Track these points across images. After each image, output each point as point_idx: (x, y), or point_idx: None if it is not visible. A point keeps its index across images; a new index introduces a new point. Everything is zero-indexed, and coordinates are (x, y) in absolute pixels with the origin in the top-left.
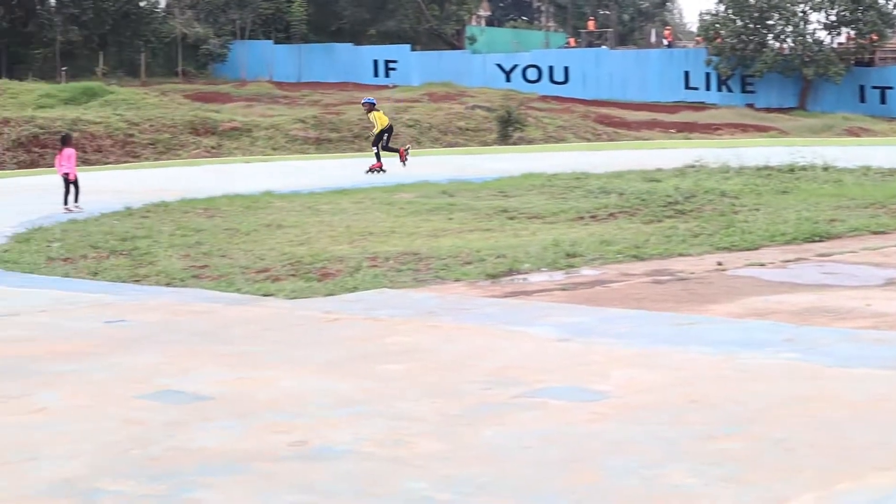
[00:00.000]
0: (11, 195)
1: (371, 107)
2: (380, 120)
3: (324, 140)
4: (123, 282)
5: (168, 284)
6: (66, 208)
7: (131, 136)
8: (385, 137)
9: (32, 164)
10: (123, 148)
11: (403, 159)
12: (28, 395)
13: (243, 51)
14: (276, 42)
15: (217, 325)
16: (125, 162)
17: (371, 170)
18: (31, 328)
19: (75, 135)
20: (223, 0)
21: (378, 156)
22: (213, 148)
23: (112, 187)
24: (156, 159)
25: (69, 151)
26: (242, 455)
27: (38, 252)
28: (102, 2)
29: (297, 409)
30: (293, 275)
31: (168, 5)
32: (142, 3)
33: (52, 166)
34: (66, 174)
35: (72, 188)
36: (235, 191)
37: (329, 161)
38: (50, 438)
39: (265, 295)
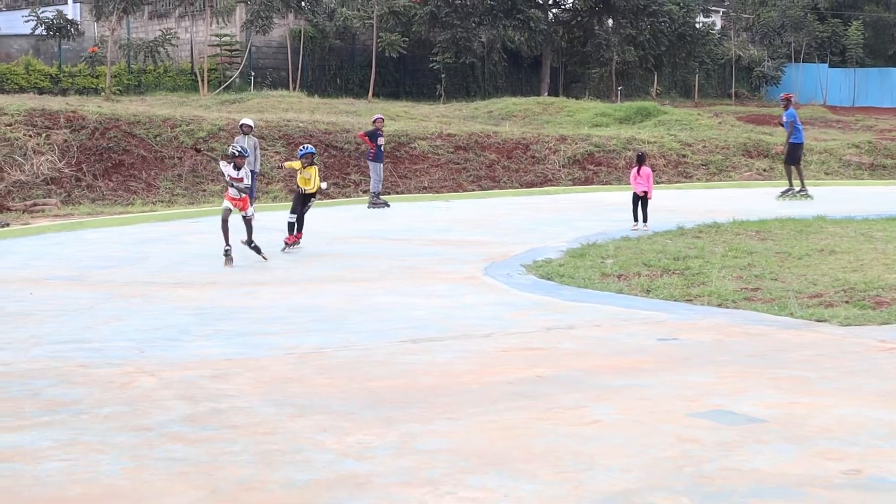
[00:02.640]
0: (566, 212)
1: None
2: None
3: (878, 166)
4: (675, 300)
5: (720, 305)
6: (635, 226)
7: (684, 156)
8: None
9: (587, 181)
10: (676, 168)
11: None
12: (583, 407)
13: (797, 73)
14: (831, 65)
15: (769, 348)
16: (678, 182)
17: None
18: (586, 341)
19: (629, 153)
20: (779, 23)
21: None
22: (764, 171)
23: (665, 206)
24: (707, 180)
25: (646, 170)
26: (795, 480)
27: (593, 268)
28: (659, 23)
29: (852, 437)
30: (846, 301)
31: (723, 27)
32: (698, 25)
33: (606, 183)
34: (644, 192)
35: (646, 206)
36: (787, 214)
37: (884, 188)
38: (604, 451)
39: (818, 320)
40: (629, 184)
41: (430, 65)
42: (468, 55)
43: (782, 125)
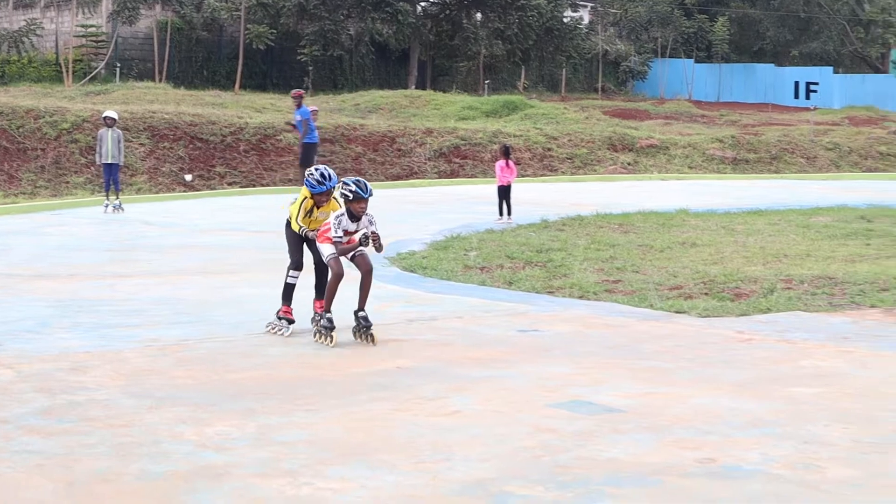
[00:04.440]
0: (431, 204)
1: None
2: None
3: (741, 160)
4: (537, 292)
5: (581, 297)
6: (500, 219)
7: (550, 150)
8: None
9: (452, 174)
10: (542, 161)
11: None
12: (443, 398)
13: (663, 68)
14: (697, 61)
15: (629, 340)
16: (543, 175)
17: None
18: (447, 333)
19: (494, 147)
20: (646, 18)
21: None
22: (629, 164)
23: (530, 199)
24: (572, 173)
25: (512, 163)
26: (651, 468)
27: (456, 260)
28: (527, 17)
29: (707, 427)
30: (706, 293)
31: (591, 22)
32: (565, 20)
33: (472, 177)
34: (510, 183)
35: (510, 199)
36: (650, 207)
37: (746, 181)
38: (463, 441)
39: (678, 312)
40: (495, 177)
41: (298, 57)
42: (336, 48)
43: (294, 126)
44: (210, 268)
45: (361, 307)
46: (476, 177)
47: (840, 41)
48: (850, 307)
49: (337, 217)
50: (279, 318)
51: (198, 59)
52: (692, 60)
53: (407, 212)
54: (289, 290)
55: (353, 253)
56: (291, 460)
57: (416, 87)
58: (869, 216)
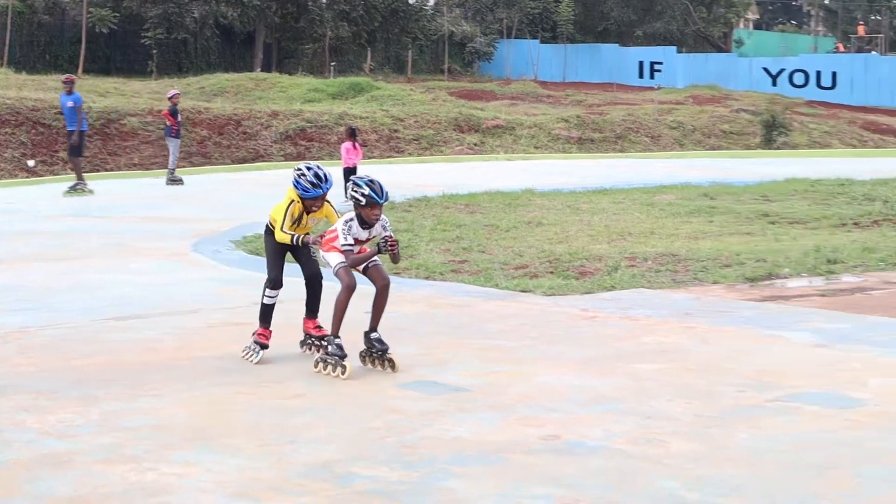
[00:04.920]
0: (277, 187)
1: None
2: None
3: (586, 140)
4: None
5: (427, 278)
6: (347, 201)
7: (396, 131)
8: None
9: (299, 157)
10: (388, 143)
11: None
12: (289, 381)
13: (509, 49)
14: (542, 41)
15: (475, 319)
16: (389, 157)
17: None
18: (293, 316)
19: (341, 129)
20: None
21: None
22: (475, 145)
23: None
24: (419, 154)
25: (357, 145)
26: (495, 446)
27: None
28: None
29: (552, 404)
30: (551, 272)
31: (436, 3)
32: (411, 1)
33: (319, 159)
34: (356, 165)
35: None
36: (496, 188)
37: (591, 161)
38: (309, 423)
39: (523, 291)
40: (341, 159)
41: (142, 40)
42: (180, 31)
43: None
44: (54, 254)
45: (374, 327)
46: (322, 159)
47: (683, 21)
48: (693, 284)
49: (346, 223)
50: (254, 342)
51: (40, 44)
52: (538, 41)
53: (253, 195)
54: (267, 311)
55: (365, 264)
56: (135, 446)
57: (262, 70)
58: (712, 194)
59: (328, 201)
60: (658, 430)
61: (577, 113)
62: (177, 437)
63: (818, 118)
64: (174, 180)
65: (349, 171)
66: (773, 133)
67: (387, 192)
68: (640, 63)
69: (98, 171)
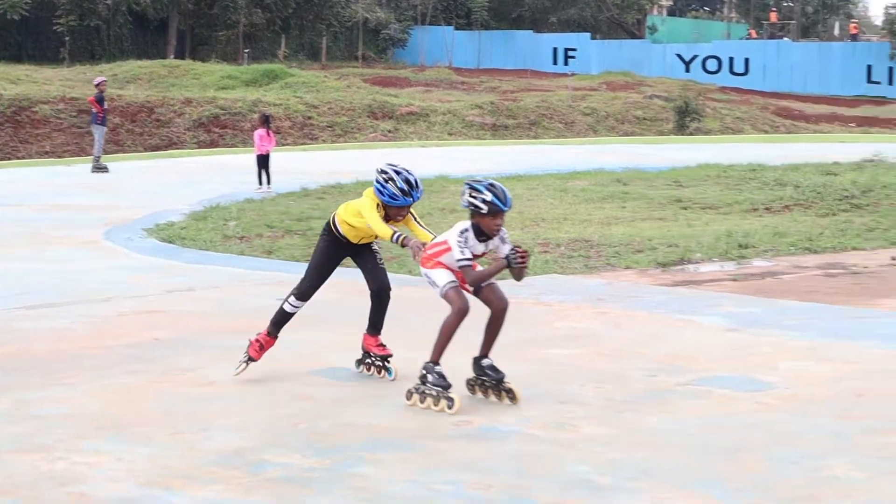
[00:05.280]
0: (190, 174)
1: None
2: None
3: (500, 126)
4: (297, 261)
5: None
6: (260, 188)
7: (310, 118)
8: None
9: (212, 144)
10: (302, 130)
11: None
12: (201, 369)
13: (424, 36)
14: (457, 28)
15: (391, 305)
16: (303, 144)
17: None
18: (206, 303)
19: (254, 116)
20: None
21: None
22: (389, 132)
23: (289, 168)
24: (333, 141)
25: (270, 132)
26: (409, 433)
27: (215, 230)
28: None
29: (466, 390)
30: None
31: None
32: None
33: (232, 146)
34: (269, 152)
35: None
36: None
37: (505, 147)
38: (221, 411)
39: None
40: (254, 146)
41: (54, 27)
42: (93, 17)
43: None
44: None
45: (485, 353)
46: (236, 146)
47: (597, 7)
48: (606, 269)
49: (462, 233)
50: (246, 354)
51: None
52: (452, 28)
53: (166, 183)
54: (284, 319)
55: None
56: (46, 435)
57: (176, 57)
58: (625, 179)
59: (412, 213)
60: (570, 414)
61: (491, 99)
62: (89, 427)
63: (731, 104)
64: (99, 168)
65: (262, 159)
66: (685, 119)
67: (511, 198)
68: (555, 50)
69: (9, 159)
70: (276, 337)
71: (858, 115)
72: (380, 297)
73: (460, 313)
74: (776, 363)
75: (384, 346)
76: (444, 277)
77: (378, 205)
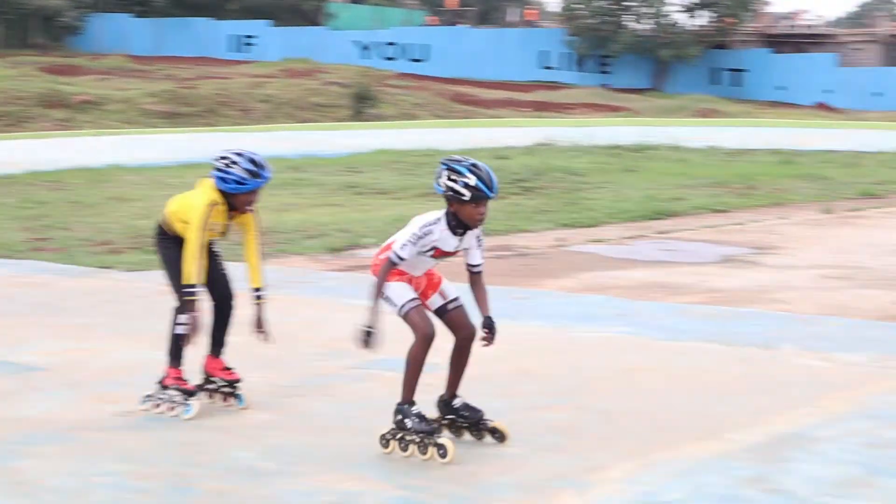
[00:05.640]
0: None
1: None
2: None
3: (177, 114)
4: None
5: (7, 257)
6: None
7: None
8: None
9: None
10: None
11: None
12: None
13: (101, 23)
14: (136, 15)
15: (54, 297)
16: None
17: None
18: None
19: None
20: None
21: None
22: (63, 121)
23: None
24: (4, 131)
25: None
26: (69, 424)
27: None
28: None
29: (127, 380)
30: (135, 247)
31: None
32: None
33: None
34: None
35: None
36: (83, 164)
37: (181, 135)
38: None
39: (104, 267)
40: None
41: None
42: None
43: None
44: None
45: (454, 392)
46: None
47: None
48: (277, 256)
49: (426, 227)
50: (164, 388)
51: None
52: (130, 15)
53: None
54: (179, 345)
55: (443, 304)
56: None
57: None
58: (300, 166)
59: (256, 218)
60: (233, 401)
61: (168, 87)
62: None
63: (408, 90)
64: None
65: None
66: (362, 105)
67: (497, 182)
68: (233, 37)
69: None
70: (181, 366)
71: (533, 99)
72: (221, 307)
73: (426, 340)
74: (440, 344)
75: (231, 369)
76: (402, 294)
77: (216, 204)
